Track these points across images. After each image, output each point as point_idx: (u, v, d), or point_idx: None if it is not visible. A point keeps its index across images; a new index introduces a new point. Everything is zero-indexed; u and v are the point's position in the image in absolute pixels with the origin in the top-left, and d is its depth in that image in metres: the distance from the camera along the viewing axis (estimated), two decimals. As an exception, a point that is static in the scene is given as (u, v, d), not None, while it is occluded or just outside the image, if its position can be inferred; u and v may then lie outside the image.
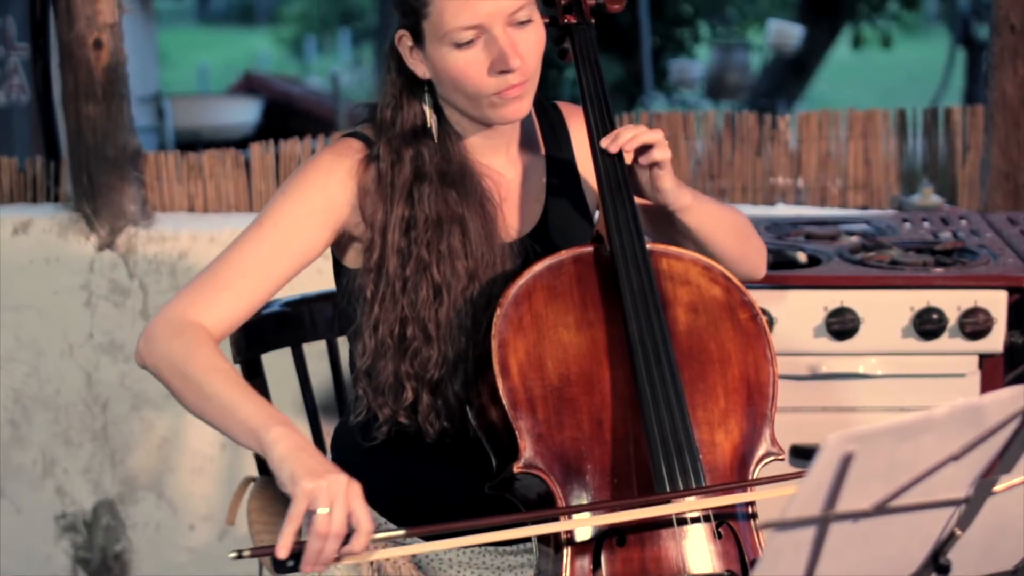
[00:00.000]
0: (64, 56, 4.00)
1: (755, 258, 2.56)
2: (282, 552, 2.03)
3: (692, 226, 2.41)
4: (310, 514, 2.05)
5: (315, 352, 3.09)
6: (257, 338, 2.87)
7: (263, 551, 2.06)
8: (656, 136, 2.30)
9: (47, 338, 4.12)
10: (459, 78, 2.27)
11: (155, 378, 2.28)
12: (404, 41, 2.33)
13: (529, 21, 2.27)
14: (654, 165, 2.31)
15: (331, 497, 2.04)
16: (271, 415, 2.15)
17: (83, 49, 3.95)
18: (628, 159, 2.32)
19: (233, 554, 2.04)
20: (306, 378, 2.95)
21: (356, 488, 2.07)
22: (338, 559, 2.07)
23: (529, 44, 2.27)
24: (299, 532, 2.05)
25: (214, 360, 2.22)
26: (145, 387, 4.11)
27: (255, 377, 2.88)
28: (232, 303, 2.29)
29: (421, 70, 2.33)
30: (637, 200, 2.38)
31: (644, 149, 2.31)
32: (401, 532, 2.15)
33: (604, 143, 2.31)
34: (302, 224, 2.31)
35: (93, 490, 4.17)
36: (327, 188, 2.32)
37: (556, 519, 2.19)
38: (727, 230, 2.47)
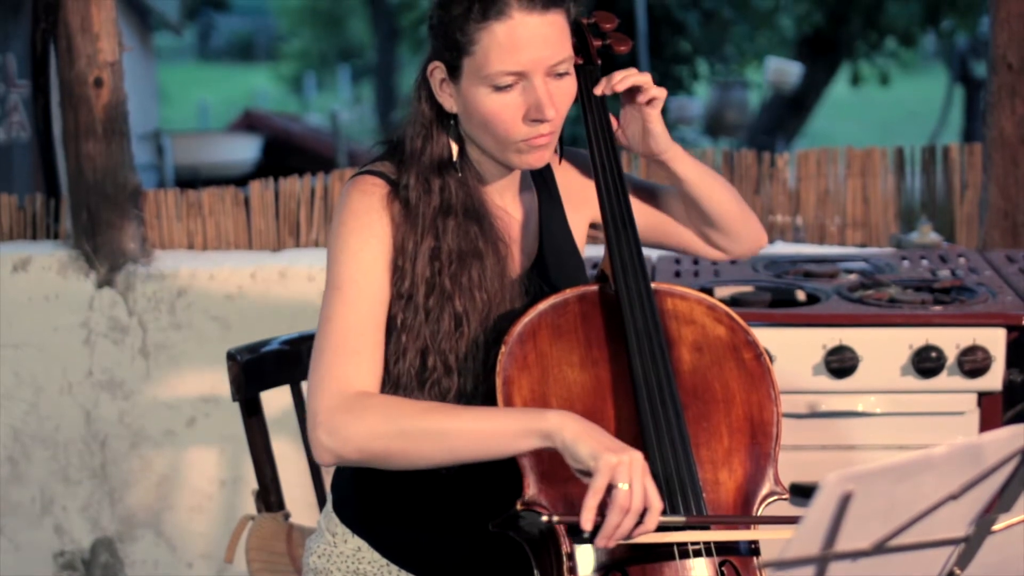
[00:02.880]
0: (65, 94, 4.01)
1: (755, 221, 2.65)
2: (587, 524, 2.08)
3: (687, 176, 2.49)
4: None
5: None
6: (256, 376, 2.87)
7: (570, 520, 2.12)
8: (646, 77, 2.39)
9: (46, 375, 4.12)
10: (492, 120, 2.29)
11: (361, 464, 2.25)
12: (436, 73, 2.34)
13: (567, 74, 2.30)
14: (652, 101, 2.40)
15: (631, 474, 2.08)
16: (527, 410, 2.19)
17: (84, 87, 3.96)
18: (642, 97, 2.41)
19: (545, 518, 2.13)
20: (305, 416, 2.95)
21: (648, 467, 2.12)
22: (629, 537, 2.11)
23: (563, 96, 2.30)
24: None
25: (417, 405, 2.23)
26: (144, 425, 4.11)
27: (254, 415, 2.88)
28: (370, 362, 2.28)
29: (449, 104, 2.35)
30: (638, 206, 2.50)
31: (635, 93, 2.41)
32: (682, 519, 2.17)
33: (597, 89, 2.40)
34: (373, 271, 2.32)
35: (91, 528, 4.17)
36: (373, 228, 2.33)
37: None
38: (722, 186, 2.55)
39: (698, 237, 2.63)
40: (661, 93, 2.39)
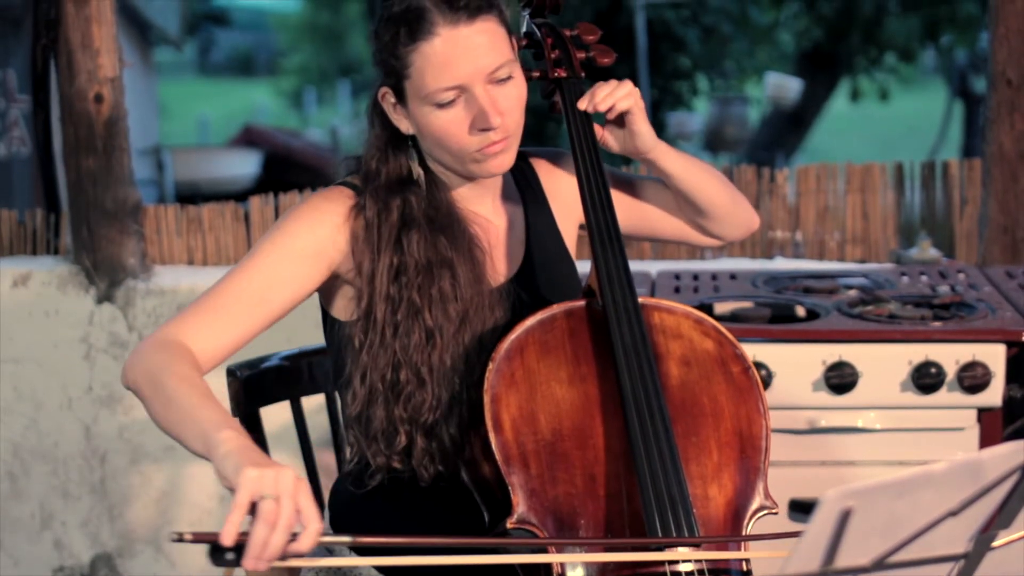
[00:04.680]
0: (65, 109, 4.02)
1: (746, 204, 2.65)
2: (227, 539, 1.91)
3: (674, 172, 2.49)
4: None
5: (314, 406, 3.09)
6: (256, 392, 2.87)
7: (205, 537, 1.94)
8: (623, 91, 2.39)
9: (46, 391, 4.12)
10: (442, 137, 2.30)
11: (136, 396, 2.23)
12: (387, 98, 2.35)
13: (509, 78, 2.30)
14: (625, 114, 2.41)
15: (278, 487, 1.93)
16: (227, 422, 2.08)
17: (84, 103, 3.97)
18: (611, 115, 2.42)
19: (174, 536, 1.92)
20: (305, 432, 2.95)
21: (305, 485, 1.96)
22: (283, 558, 1.95)
23: (510, 100, 2.30)
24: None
25: (187, 372, 2.18)
26: (144, 440, 4.10)
27: (254, 431, 2.87)
28: (222, 329, 2.28)
29: (404, 126, 2.36)
30: (629, 203, 2.53)
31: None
32: (348, 539, 2.05)
33: (581, 104, 2.40)
34: (293, 260, 2.32)
35: (91, 544, 4.16)
36: (317, 230, 2.33)
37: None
38: (710, 176, 2.55)
39: (690, 226, 2.64)
40: (628, 104, 2.40)
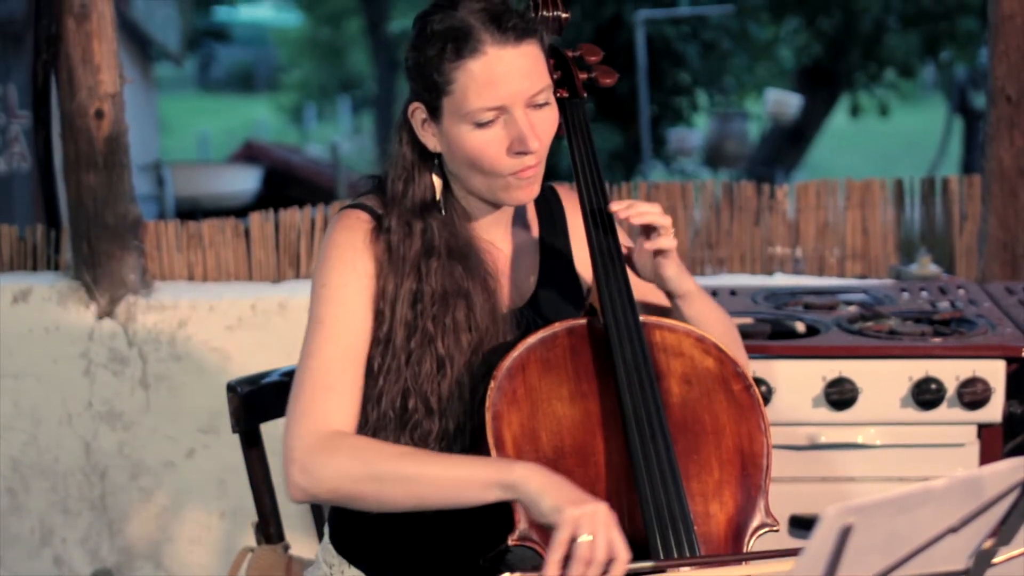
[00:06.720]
0: (65, 125, 4.02)
1: (743, 357, 2.57)
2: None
3: (690, 317, 2.43)
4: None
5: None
6: (256, 408, 2.87)
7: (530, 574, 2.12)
8: (666, 221, 2.34)
9: (46, 406, 4.12)
10: (477, 157, 2.29)
11: (332, 503, 2.28)
12: (417, 114, 2.34)
13: (546, 104, 2.30)
14: (659, 253, 2.35)
15: (594, 525, 2.08)
16: (498, 460, 2.19)
17: (84, 119, 3.97)
18: (633, 221, 2.36)
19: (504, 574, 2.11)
20: (305, 447, 2.94)
21: (614, 518, 2.11)
22: None
23: (545, 126, 2.30)
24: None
25: (391, 448, 2.25)
26: (143, 456, 4.10)
27: (254, 446, 2.87)
28: (348, 398, 2.29)
29: (432, 143, 2.35)
30: (638, 284, 2.43)
31: (650, 231, 2.35)
32: (649, 564, 2.15)
33: (615, 207, 2.33)
34: (354, 306, 2.32)
35: (91, 560, 4.16)
36: (355, 265, 2.33)
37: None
38: (720, 325, 2.49)
39: None
40: (671, 244, 2.35)
